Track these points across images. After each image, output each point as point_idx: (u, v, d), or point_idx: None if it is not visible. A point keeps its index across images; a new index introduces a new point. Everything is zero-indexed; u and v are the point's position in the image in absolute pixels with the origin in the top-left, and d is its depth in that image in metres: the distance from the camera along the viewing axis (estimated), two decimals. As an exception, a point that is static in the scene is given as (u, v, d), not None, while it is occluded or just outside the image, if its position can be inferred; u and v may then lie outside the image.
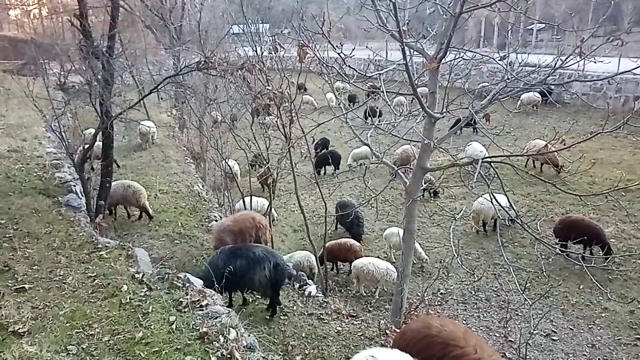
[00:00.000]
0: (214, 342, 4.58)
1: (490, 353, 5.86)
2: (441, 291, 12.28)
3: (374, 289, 12.63)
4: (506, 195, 8.72)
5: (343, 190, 18.84)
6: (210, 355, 4.42)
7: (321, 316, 8.73)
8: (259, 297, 9.14)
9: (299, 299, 9.39)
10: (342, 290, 12.84)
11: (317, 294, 9.68)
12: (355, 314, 9.18)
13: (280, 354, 7.43)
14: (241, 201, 13.90)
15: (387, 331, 8.44)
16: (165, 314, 5.18)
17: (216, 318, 4.96)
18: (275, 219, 15.66)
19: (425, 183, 11.02)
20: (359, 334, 8.26)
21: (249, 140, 11.93)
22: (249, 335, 4.88)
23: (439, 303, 11.82)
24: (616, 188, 7.88)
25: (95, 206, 10.68)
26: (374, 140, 19.19)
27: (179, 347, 4.62)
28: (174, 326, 4.90)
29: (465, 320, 11.03)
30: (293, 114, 9.64)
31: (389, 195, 17.88)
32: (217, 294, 6.10)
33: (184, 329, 4.89)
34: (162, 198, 14.29)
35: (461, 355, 5.60)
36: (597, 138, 20.18)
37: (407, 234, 9.13)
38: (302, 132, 10.42)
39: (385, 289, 12.30)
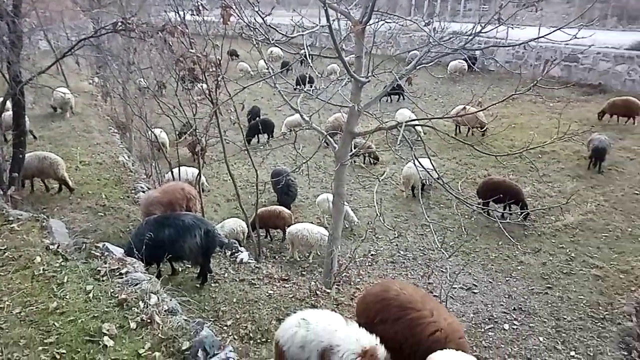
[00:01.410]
0: (133, 308, 4.48)
1: (446, 316, 6.06)
2: (371, 252, 12.67)
3: (308, 254, 12.82)
4: (429, 157, 9.05)
5: (277, 158, 18.78)
6: (130, 321, 4.33)
7: (253, 281, 8.78)
8: (189, 266, 9.04)
9: (230, 266, 9.38)
10: (276, 257, 12.94)
11: (250, 261, 9.71)
12: (287, 278, 9.32)
13: (211, 320, 7.44)
14: (175, 170, 13.52)
15: (318, 292, 8.65)
16: (82, 284, 4.99)
17: (136, 285, 4.85)
18: (206, 188, 15.40)
19: (355, 148, 11.17)
20: (290, 296, 8.41)
21: (174, 107, 11.52)
22: (171, 300, 4.82)
23: (370, 264, 12.22)
24: (528, 148, 8.40)
25: (8, 179, 9.99)
26: (308, 108, 19.12)
27: (95, 315, 4.49)
28: (90, 295, 4.74)
29: (393, 278, 11.47)
30: (219, 79, 9.36)
31: (322, 162, 18.03)
32: (138, 261, 5.95)
33: (101, 297, 4.75)
34: (84, 170, 13.60)
35: (418, 318, 5.82)
36: (517, 104, 21.33)
37: (337, 198, 9.30)
38: (231, 98, 10.19)
39: (319, 253, 12.53)
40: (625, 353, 9.00)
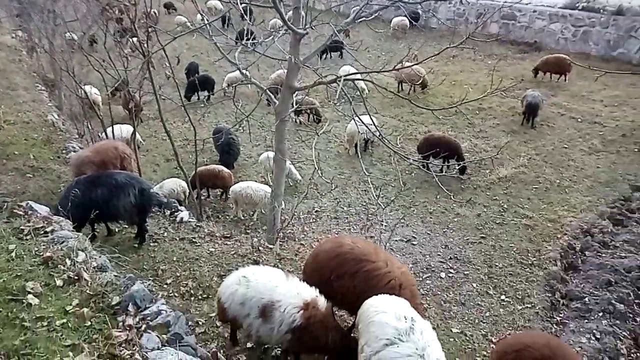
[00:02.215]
0: (59, 266, 4.30)
1: (398, 265, 6.22)
2: (315, 209, 12.78)
3: (252, 212, 12.77)
4: (369, 114, 9.07)
5: (219, 116, 18.32)
6: (56, 279, 4.15)
7: (193, 240, 8.66)
8: (126, 226, 8.77)
9: (170, 226, 9.18)
10: (220, 216, 12.81)
11: (190, 220, 9.54)
12: (229, 235, 9.26)
13: (150, 279, 7.30)
14: (109, 129, 12.88)
15: (260, 248, 8.66)
16: (4, 243, 4.71)
17: (62, 243, 4.64)
18: (141, 145, 14.86)
19: (296, 104, 11.03)
20: (232, 252, 8.37)
21: (103, 61, 10.84)
22: (100, 257, 4.66)
23: (313, 220, 12.34)
24: (461, 103, 8.59)
25: None
26: (250, 64, 18.56)
27: (19, 274, 4.27)
28: (13, 254, 4.49)
29: (337, 233, 11.67)
30: (150, 31, 8.85)
31: (265, 120, 17.75)
32: (65, 219, 5.69)
33: (25, 256, 4.51)
34: (8, 129, 12.68)
35: (373, 270, 5.91)
36: (457, 61, 21.64)
37: (278, 154, 9.20)
38: (164, 51, 9.70)
39: (263, 212, 12.49)
40: (550, 295, 9.69)
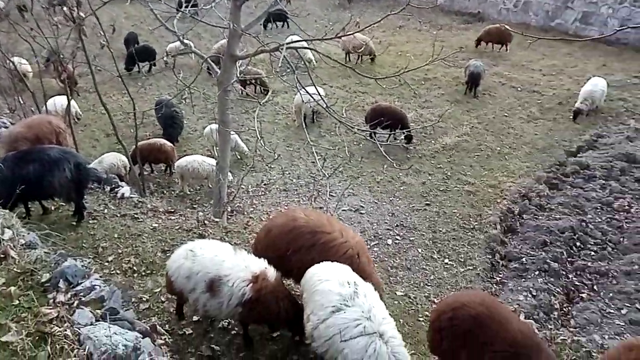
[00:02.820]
0: (-17, 245, 4.05)
1: (353, 235, 6.22)
2: (264, 182, 12.69)
3: (199, 187, 12.53)
4: (314, 85, 8.98)
5: (162, 89, 17.66)
6: (-20, 259, 3.91)
7: (135, 216, 8.41)
8: (63, 204, 8.38)
9: (110, 202, 8.86)
10: (165, 192, 12.50)
11: (132, 195, 9.23)
12: (173, 210, 9.05)
13: (90, 257, 7.06)
14: (50, 102, 12.13)
15: (206, 222, 8.52)
16: None
17: (-14, 221, 4.37)
18: (80, 117, 14.19)
19: (240, 74, 10.75)
20: (177, 227, 8.20)
21: (32, 30, 10.14)
22: (29, 234, 4.43)
23: (262, 193, 12.26)
24: (404, 71, 8.64)
25: None
26: (194, 35, 17.88)
27: (-61, 255, 3.99)
28: None
29: (286, 206, 11.67)
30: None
31: (211, 92, 17.28)
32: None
33: (-58, 239, 4.22)
34: None
35: (330, 241, 5.88)
36: (404, 32, 21.68)
37: (222, 126, 9.00)
38: (97, 19, 9.18)
39: (210, 186, 12.28)
40: (490, 256, 10.14)
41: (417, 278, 9.26)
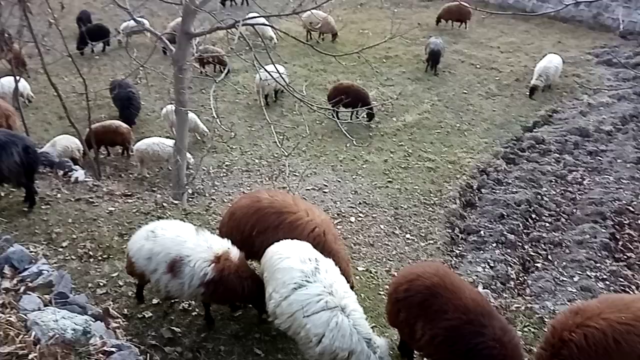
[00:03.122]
0: None
1: (318, 214, 6.19)
2: (226, 163, 12.53)
3: (158, 169, 12.27)
4: (273, 63, 8.86)
5: (117, 69, 17.03)
6: None
7: (91, 200, 8.16)
8: (13, 189, 8.04)
9: (64, 186, 8.56)
10: (122, 175, 12.16)
11: (87, 179, 8.95)
12: (130, 193, 8.83)
13: (44, 243, 6.84)
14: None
15: (165, 204, 8.37)
16: None
17: None
18: (31, 100, 13.62)
19: (198, 53, 10.50)
20: (134, 211, 8.02)
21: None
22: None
23: (224, 174, 12.12)
24: (364, 49, 8.60)
25: None
26: (150, 13, 17.28)
27: None
28: None
29: (249, 187, 11.57)
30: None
31: (169, 72, 16.80)
32: None
33: None
34: None
35: (295, 220, 5.80)
36: (365, 9, 21.48)
37: (178, 106, 8.79)
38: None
39: (170, 168, 12.02)
40: (450, 230, 10.39)
41: (379, 254, 9.39)
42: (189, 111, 12.14)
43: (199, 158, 11.03)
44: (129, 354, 2.77)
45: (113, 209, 7.92)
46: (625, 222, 10.43)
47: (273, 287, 4.93)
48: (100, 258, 6.74)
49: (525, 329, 6.00)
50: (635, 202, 10.82)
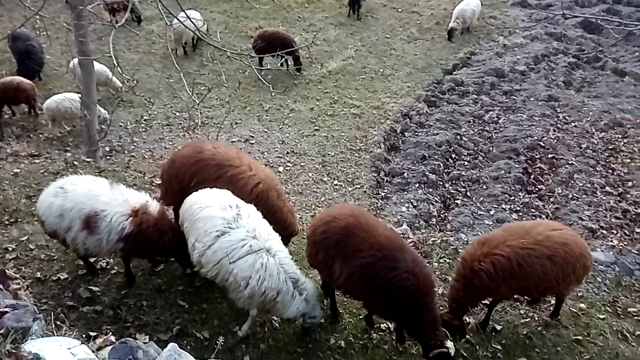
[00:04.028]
0: None
1: (262, 169, 6.04)
2: (145, 117, 11.94)
3: (71, 128, 11.49)
4: (183, 9, 8.31)
5: (14, 20, 15.47)
6: None
7: (-8, 162, 7.54)
8: None
9: (-41, 150, 7.84)
10: (32, 135, 11.28)
11: (-14, 140, 8.23)
12: (37, 153, 8.25)
13: None
14: None
15: (76, 163, 7.90)
16: None
17: None
18: None
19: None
20: (42, 171, 7.52)
21: None
22: None
23: (144, 129, 11.57)
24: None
25: None
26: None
27: None
28: None
29: (171, 141, 11.14)
30: None
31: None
32: None
33: None
34: None
35: (237, 174, 5.63)
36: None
37: (81, 56, 8.14)
38: None
39: (82, 125, 11.28)
40: (375, 174, 10.61)
41: (308, 201, 9.45)
42: (99, 63, 11.38)
43: (113, 113, 10.42)
44: (24, 312, 2.61)
45: (18, 170, 7.37)
46: (536, 156, 11.11)
47: (195, 237, 4.84)
48: (7, 222, 6.32)
49: (441, 260, 6.33)
50: (545, 138, 11.52)
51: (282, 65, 13.80)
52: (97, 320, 5.03)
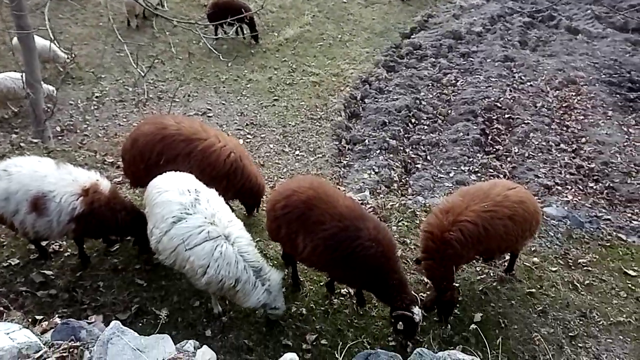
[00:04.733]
0: None
1: (229, 139, 5.94)
2: (96, 94, 11.49)
3: (18, 108, 10.96)
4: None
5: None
6: None
7: None
8: None
9: None
10: (-26, 118, 10.74)
11: None
12: (-22, 137, 7.85)
13: None
14: None
15: (22, 144, 7.59)
16: None
17: None
18: None
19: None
20: (-14, 155, 7.16)
21: None
22: None
23: (96, 107, 11.15)
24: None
25: None
26: None
27: None
28: None
29: (125, 118, 10.79)
30: None
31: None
32: None
33: None
34: None
35: (208, 147, 5.49)
36: None
37: (20, 31, 7.70)
38: None
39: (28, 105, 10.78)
40: (337, 143, 10.58)
41: (270, 173, 9.37)
42: (42, 39, 10.79)
43: (65, 91, 9.98)
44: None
45: (-40, 155, 7.00)
46: (493, 117, 11.30)
47: (153, 222, 4.69)
48: (-51, 211, 6.01)
49: (400, 224, 6.41)
50: (502, 98, 11.70)
51: (237, 34, 13.48)
52: (52, 305, 4.92)
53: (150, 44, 12.99)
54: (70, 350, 2.36)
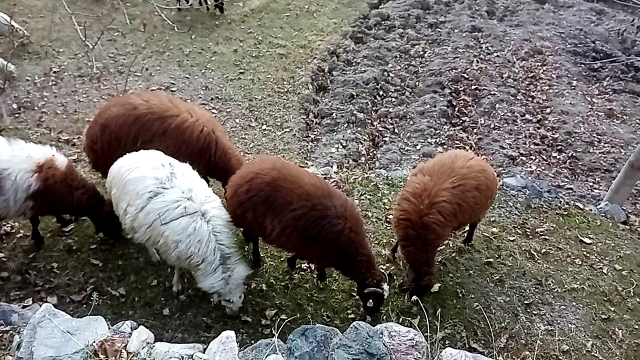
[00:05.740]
0: None
1: (202, 112, 5.82)
2: (54, 69, 11.04)
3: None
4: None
5: None
6: None
7: None
8: None
9: None
10: None
11: None
12: None
13: None
14: None
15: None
16: None
17: None
18: None
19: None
20: None
21: None
22: None
23: (54, 82, 10.74)
24: None
25: None
26: None
27: None
28: None
29: (85, 94, 10.43)
30: None
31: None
32: None
33: None
34: None
35: (182, 124, 5.32)
36: None
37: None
38: None
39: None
40: (304, 117, 10.47)
41: (237, 148, 9.22)
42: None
43: (21, 66, 9.56)
44: None
45: None
46: (460, 89, 11.32)
47: (127, 201, 4.54)
48: None
49: (362, 197, 6.42)
50: (469, 69, 11.71)
51: (201, 4, 13.09)
52: (3, 288, 4.81)
53: (109, 15, 12.49)
54: (0, 334, 2.30)
